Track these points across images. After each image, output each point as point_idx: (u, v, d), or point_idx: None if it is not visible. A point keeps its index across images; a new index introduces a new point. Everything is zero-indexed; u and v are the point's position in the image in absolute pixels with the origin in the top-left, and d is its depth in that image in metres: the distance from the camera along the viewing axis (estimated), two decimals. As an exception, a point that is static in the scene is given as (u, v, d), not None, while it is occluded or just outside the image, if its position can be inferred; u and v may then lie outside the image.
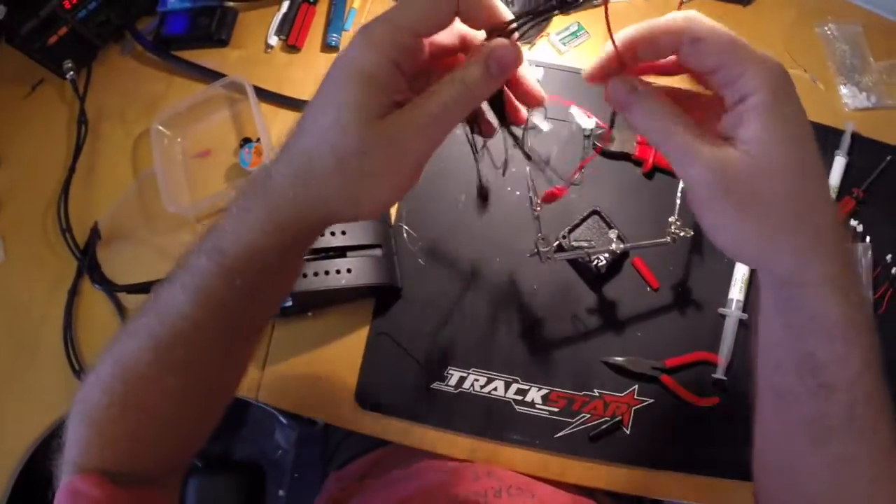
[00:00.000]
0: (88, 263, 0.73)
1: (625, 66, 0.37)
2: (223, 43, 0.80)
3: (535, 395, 0.69)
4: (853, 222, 0.73)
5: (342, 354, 0.70)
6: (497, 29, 0.39)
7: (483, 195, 0.73)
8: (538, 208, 0.63)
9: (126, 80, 0.82)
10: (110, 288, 0.73)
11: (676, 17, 0.35)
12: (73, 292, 0.74)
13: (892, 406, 0.38)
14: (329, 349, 0.70)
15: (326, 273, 0.64)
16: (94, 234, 0.74)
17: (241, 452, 1.30)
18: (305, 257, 0.64)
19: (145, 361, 0.41)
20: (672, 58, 0.37)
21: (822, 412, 0.38)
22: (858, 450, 0.38)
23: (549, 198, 0.55)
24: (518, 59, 0.37)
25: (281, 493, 1.24)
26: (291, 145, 0.38)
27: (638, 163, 0.74)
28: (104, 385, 0.42)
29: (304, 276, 0.64)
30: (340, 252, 0.66)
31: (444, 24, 0.37)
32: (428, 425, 0.68)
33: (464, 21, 0.38)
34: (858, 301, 0.36)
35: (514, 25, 0.39)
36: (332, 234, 0.66)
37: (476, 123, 0.45)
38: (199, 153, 0.77)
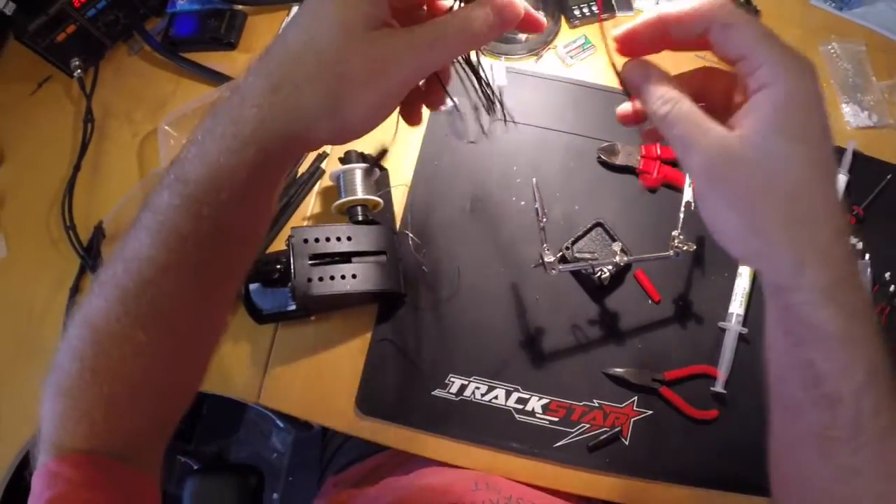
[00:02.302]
0: (93, 262, 0.73)
1: (655, 41, 0.37)
2: (232, 46, 0.81)
3: (535, 404, 0.69)
4: (853, 240, 0.74)
5: (344, 359, 0.70)
6: None
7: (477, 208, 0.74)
8: (544, 219, 0.64)
9: (134, 80, 0.82)
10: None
11: (710, 2, 0.35)
12: (76, 290, 0.74)
13: None
14: (331, 354, 0.71)
15: (332, 278, 0.65)
16: (99, 232, 0.74)
17: (237, 454, 1.30)
18: (310, 262, 0.64)
19: (114, 317, 0.37)
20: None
21: (827, 424, 0.37)
22: (866, 464, 0.36)
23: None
24: (519, 17, 0.37)
25: (275, 496, 1.24)
26: (266, 55, 0.36)
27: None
28: (74, 350, 0.38)
29: (309, 280, 0.64)
30: (346, 258, 0.66)
31: None
32: (428, 432, 0.68)
33: None
34: (860, 312, 0.35)
35: None
36: (339, 239, 0.66)
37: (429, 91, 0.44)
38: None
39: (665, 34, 0.37)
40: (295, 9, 0.81)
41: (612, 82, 0.78)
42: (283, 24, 0.80)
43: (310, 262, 0.65)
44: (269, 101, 0.35)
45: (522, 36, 0.79)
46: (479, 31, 0.36)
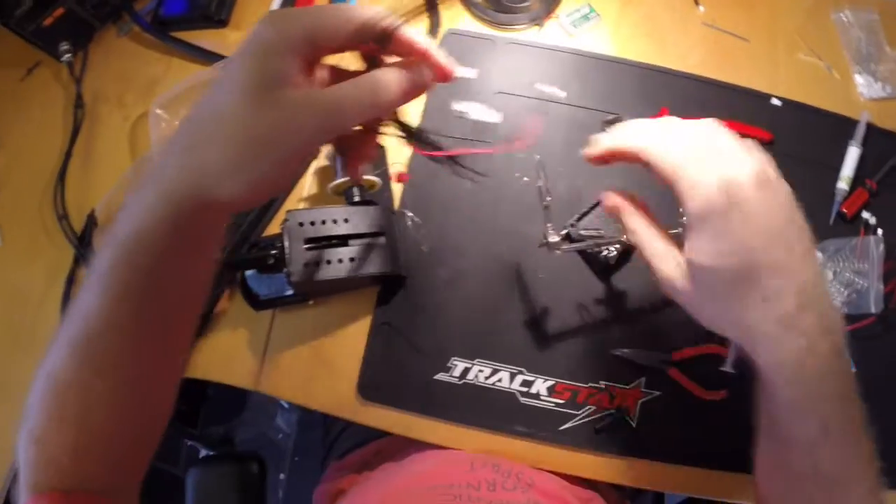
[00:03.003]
0: (85, 252, 0.71)
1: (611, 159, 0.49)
2: (223, 23, 0.78)
3: (540, 386, 0.68)
4: (865, 214, 0.72)
5: (344, 344, 0.69)
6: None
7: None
8: (548, 198, 0.62)
9: (124, 62, 0.80)
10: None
11: (635, 141, 0.45)
12: (71, 281, 0.73)
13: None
14: (331, 339, 0.69)
15: (328, 262, 0.63)
16: (91, 221, 0.72)
17: (242, 435, 1.30)
18: (306, 246, 0.63)
19: (70, 369, 0.40)
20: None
21: (786, 460, 0.45)
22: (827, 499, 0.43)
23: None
24: (427, 86, 0.40)
25: (282, 476, 1.24)
26: (185, 119, 0.38)
27: (648, 151, 0.73)
28: (40, 400, 0.41)
29: (305, 265, 0.62)
30: (343, 240, 0.64)
31: (343, 46, 0.39)
32: (431, 417, 0.67)
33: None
34: (813, 377, 0.40)
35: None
36: (335, 221, 0.64)
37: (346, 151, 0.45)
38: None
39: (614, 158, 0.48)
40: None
41: (618, 52, 0.76)
42: (276, 2, 0.78)
43: (305, 246, 0.63)
44: (180, 163, 0.37)
45: (525, 3, 0.77)
46: (385, 99, 0.38)
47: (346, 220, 0.64)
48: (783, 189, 0.42)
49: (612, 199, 0.50)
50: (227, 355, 0.70)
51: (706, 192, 0.40)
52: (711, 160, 0.41)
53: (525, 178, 0.72)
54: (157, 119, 0.73)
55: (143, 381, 0.44)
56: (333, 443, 0.85)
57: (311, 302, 0.70)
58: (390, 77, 0.39)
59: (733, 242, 0.40)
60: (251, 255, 0.64)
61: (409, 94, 0.40)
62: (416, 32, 0.40)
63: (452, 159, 0.53)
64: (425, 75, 0.40)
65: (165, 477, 1.17)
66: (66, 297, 0.72)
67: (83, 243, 0.73)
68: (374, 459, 0.78)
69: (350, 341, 0.69)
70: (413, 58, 0.41)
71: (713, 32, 0.74)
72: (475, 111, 0.70)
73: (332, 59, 0.42)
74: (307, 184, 0.73)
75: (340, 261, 0.63)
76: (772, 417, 0.45)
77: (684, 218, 0.42)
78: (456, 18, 0.78)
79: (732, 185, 0.40)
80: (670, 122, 0.45)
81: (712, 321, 0.44)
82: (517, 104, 0.74)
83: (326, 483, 0.79)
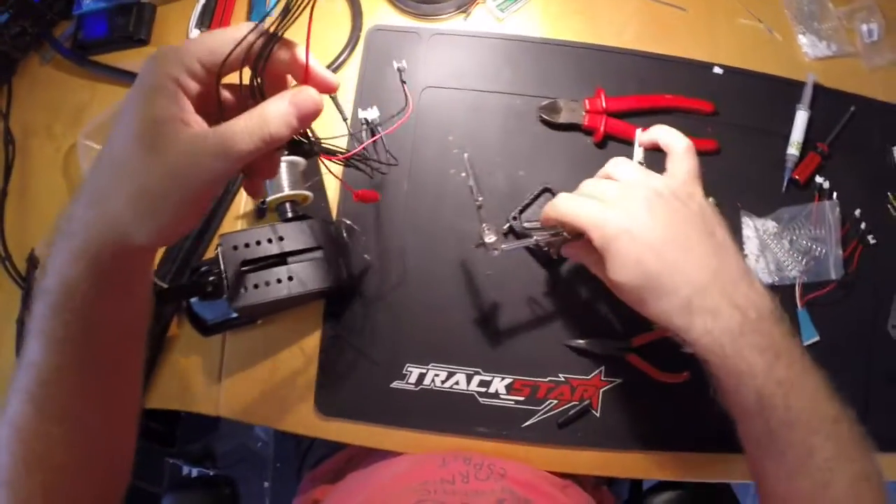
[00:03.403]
0: (24, 299, 0.70)
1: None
2: (144, 42, 0.75)
3: (498, 385, 0.67)
4: (819, 179, 0.70)
5: (298, 361, 0.68)
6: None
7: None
8: (479, 198, 0.60)
9: (49, 92, 0.77)
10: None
11: (556, 213, 0.54)
12: (22, 322, 0.72)
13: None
14: (283, 356, 0.68)
15: (267, 284, 0.61)
16: (31, 265, 0.71)
17: (222, 448, 1.30)
18: (244, 268, 0.61)
19: (29, 416, 0.42)
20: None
21: (748, 433, 0.51)
22: (781, 463, 0.47)
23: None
24: (318, 108, 0.40)
25: (266, 484, 1.25)
26: (89, 169, 0.40)
27: (588, 132, 0.71)
28: (6, 447, 0.42)
29: (245, 289, 0.61)
30: (280, 259, 0.63)
31: (230, 69, 0.39)
32: (393, 426, 0.66)
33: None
34: (730, 349, 0.46)
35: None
36: (269, 240, 0.62)
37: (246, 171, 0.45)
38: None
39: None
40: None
41: (549, 34, 0.73)
42: (195, 11, 0.75)
43: (243, 268, 0.61)
44: (87, 215, 0.38)
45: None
46: (277, 133, 0.38)
47: (280, 238, 0.63)
48: (672, 203, 0.50)
49: (567, 253, 0.59)
50: (184, 382, 0.69)
51: (601, 228, 0.49)
52: (607, 202, 0.50)
53: (462, 174, 0.70)
54: (87, 149, 0.71)
55: (98, 421, 0.45)
56: (306, 452, 0.85)
57: (259, 322, 0.68)
58: (279, 109, 0.38)
59: (627, 260, 0.49)
60: (189, 284, 0.62)
61: (303, 122, 0.40)
62: (293, 49, 0.40)
63: (357, 158, 0.52)
64: (313, 100, 0.40)
65: (148, 497, 1.18)
66: (20, 337, 0.71)
67: (28, 283, 0.71)
68: (347, 467, 0.78)
69: (303, 357, 0.68)
70: (295, 75, 0.41)
71: (648, 4, 0.71)
72: (373, 114, 0.68)
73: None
74: (242, 201, 0.71)
75: (279, 280, 0.62)
76: (722, 397, 0.51)
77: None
78: (378, 13, 0.75)
79: (624, 212, 0.49)
80: (583, 189, 0.54)
81: (648, 316, 0.51)
82: (447, 98, 0.72)
83: (302, 495, 0.78)
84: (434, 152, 0.70)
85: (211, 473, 1.26)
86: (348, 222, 0.69)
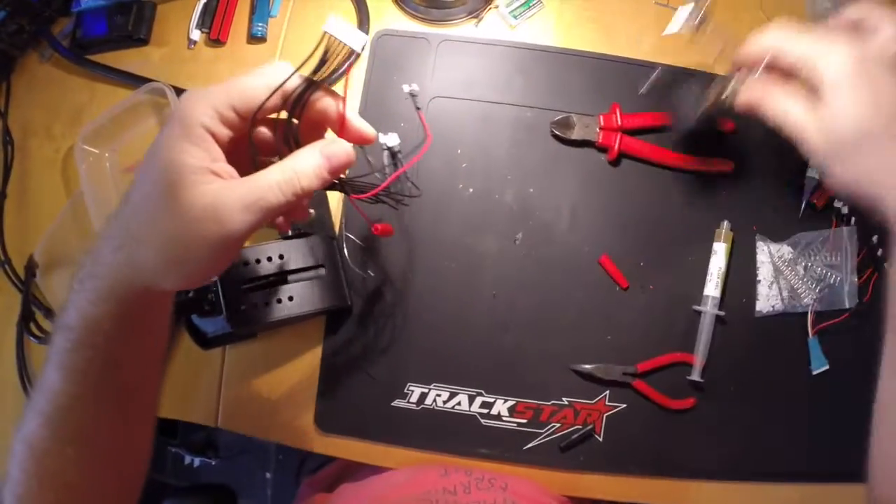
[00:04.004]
0: (24, 307, 0.69)
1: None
2: (143, 42, 0.73)
3: (500, 407, 0.66)
4: (837, 203, 0.67)
5: (298, 376, 0.67)
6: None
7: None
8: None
9: (48, 92, 0.75)
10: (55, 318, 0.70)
11: (773, 42, 0.48)
12: (22, 325, 0.71)
13: None
14: (283, 371, 0.67)
15: (266, 304, 0.60)
16: (29, 271, 0.70)
17: (224, 438, 1.31)
18: (245, 286, 0.60)
19: (43, 437, 0.43)
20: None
21: None
22: None
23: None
24: (350, 162, 0.39)
25: (268, 475, 1.26)
26: (115, 211, 0.39)
27: (602, 150, 0.68)
28: (19, 462, 0.44)
29: (244, 308, 0.60)
30: (281, 278, 0.62)
31: (265, 114, 0.38)
32: (392, 445, 0.66)
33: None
34: None
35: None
36: (269, 259, 0.61)
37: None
38: (130, 167, 0.72)
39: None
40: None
41: (563, 42, 0.70)
42: (196, 10, 0.73)
43: (243, 287, 0.60)
44: (114, 259, 0.38)
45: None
46: (308, 186, 0.38)
47: (280, 257, 0.61)
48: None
49: (748, 95, 0.51)
50: (183, 393, 0.69)
51: (838, 62, 0.44)
52: (837, 43, 0.45)
53: (471, 189, 0.68)
54: (84, 154, 0.70)
55: (112, 443, 0.46)
56: (305, 458, 0.84)
57: (259, 336, 0.68)
58: (312, 163, 0.38)
59: (864, 98, 0.44)
60: (186, 301, 0.61)
61: (334, 174, 0.39)
62: (331, 98, 0.40)
63: (383, 194, 0.50)
64: (346, 153, 0.39)
65: (153, 484, 1.18)
66: (20, 341, 0.71)
67: (27, 287, 0.70)
68: (345, 473, 0.78)
69: (303, 373, 0.67)
70: (331, 124, 0.41)
71: (667, 13, 0.67)
72: (393, 140, 0.65)
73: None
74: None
75: (279, 301, 0.61)
76: None
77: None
78: (387, 17, 0.72)
79: (856, 57, 0.44)
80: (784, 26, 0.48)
81: (844, 176, 0.46)
82: (455, 109, 0.69)
83: (300, 500, 0.78)
84: (441, 165, 0.68)
85: (213, 463, 1.27)
86: (352, 237, 0.67)
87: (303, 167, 0.38)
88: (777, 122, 0.49)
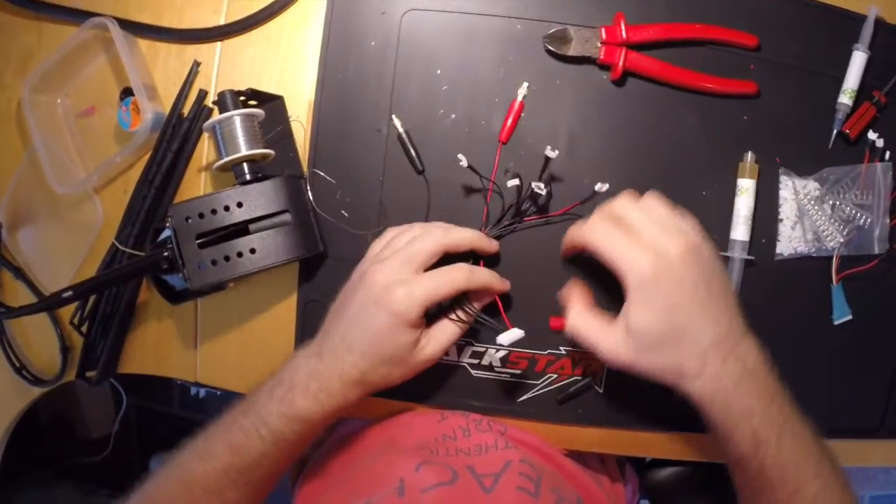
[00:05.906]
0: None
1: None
2: (87, -25, 0.66)
3: (492, 357, 0.61)
4: (872, 135, 0.58)
5: (274, 326, 0.63)
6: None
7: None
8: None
9: (-4, 37, 0.69)
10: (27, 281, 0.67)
11: (583, 238, 0.53)
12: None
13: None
14: (259, 322, 0.64)
15: (227, 259, 0.55)
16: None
17: None
18: (199, 242, 0.55)
19: (214, 479, 0.50)
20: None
21: (742, 479, 0.51)
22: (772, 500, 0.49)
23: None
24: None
25: None
26: (339, 341, 0.53)
27: (604, 68, 0.59)
28: (169, 494, 0.51)
29: (202, 265, 0.55)
30: (242, 229, 0.56)
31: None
32: (377, 396, 0.61)
33: None
34: (731, 394, 0.48)
35: None
36: (227, 208, 0.55)
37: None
38: (84, 111, 0.66)
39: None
40: None
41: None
42: None
43: (198, 242, 0.55)
44: (350, 362, 0.53)
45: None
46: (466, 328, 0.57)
47: (239, 205, 0.56)
48: (706, 251, 0.50)
49: (564, 296, 0.57)
50: (159, 348, 0.66)
51: (639, 269, 0.48)
52: (642, 244, 0.49)
53: (452, 115, 0.60)
54: (33, 105, 0.64)
55: (264, 491, 0.55)
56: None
57: (230, 285, 0.63)
58: (457, 333, 0.57)
59: (664, 304, 0.48)
60: (142, 263, 0.57)
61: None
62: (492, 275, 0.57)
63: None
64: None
65: (159, 416, 1.30)
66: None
67: (-5, 246, 0.67)
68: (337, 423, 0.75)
69: (279, 323, 0.63)
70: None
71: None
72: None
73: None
74: (204, 153, 0.63)
75: (240, 254, 0.55)
76: (718, 443, 0.51)
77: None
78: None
79: (661, 260, 0.48)
80: (609, 212, 0.52)
81: (647, 370, 0.50)
82: (433, 23, 0.60)
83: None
84: (418, 90, 0.60)
85: (218, 393, 1.28)
86: (321, 172, 0.60)
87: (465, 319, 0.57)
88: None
